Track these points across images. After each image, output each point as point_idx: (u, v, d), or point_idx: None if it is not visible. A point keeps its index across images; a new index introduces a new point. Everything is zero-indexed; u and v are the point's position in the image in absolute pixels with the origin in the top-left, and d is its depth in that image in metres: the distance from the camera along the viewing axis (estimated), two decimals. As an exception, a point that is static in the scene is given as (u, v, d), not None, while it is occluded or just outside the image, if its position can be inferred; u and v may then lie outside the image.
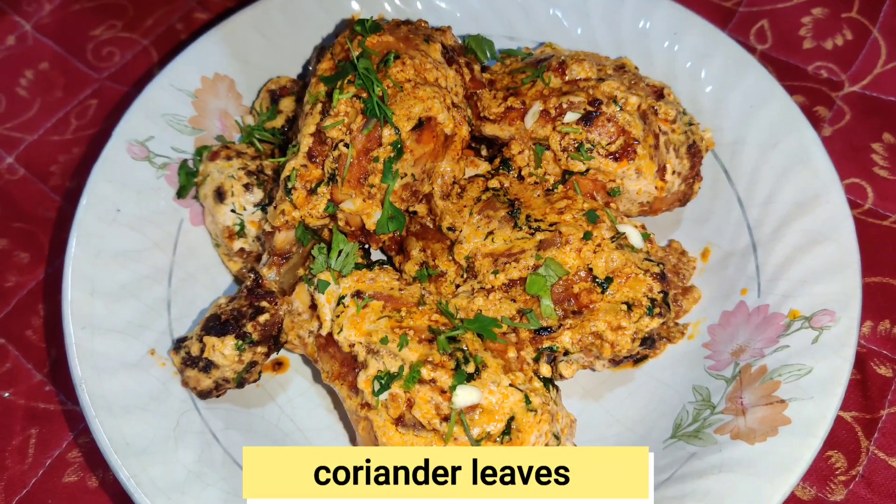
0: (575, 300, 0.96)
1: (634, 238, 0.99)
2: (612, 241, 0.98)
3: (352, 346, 0.95)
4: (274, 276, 1.02)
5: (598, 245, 0.97)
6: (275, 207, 1.01)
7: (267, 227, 1.03)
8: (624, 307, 0.95)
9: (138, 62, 1.48)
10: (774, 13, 1.46)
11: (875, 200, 1.24)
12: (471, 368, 0.90)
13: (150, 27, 1.52)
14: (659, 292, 0.96)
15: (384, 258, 1.13)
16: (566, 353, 0.97)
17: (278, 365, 1.10)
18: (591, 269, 0.96)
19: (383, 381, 0.90)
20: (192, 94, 1.20)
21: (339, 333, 0.96)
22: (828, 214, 1.03)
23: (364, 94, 0.98)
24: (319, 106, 1.01)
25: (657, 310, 0.96)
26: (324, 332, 0.98)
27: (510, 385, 0.89)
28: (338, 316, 0.97)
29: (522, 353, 0.95)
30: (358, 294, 0.98)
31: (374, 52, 1.01)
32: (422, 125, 0.99)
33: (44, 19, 1.53)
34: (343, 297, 0.98)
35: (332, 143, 0.99)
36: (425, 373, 0.89)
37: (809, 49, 1.41)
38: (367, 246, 1.07)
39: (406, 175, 0.99)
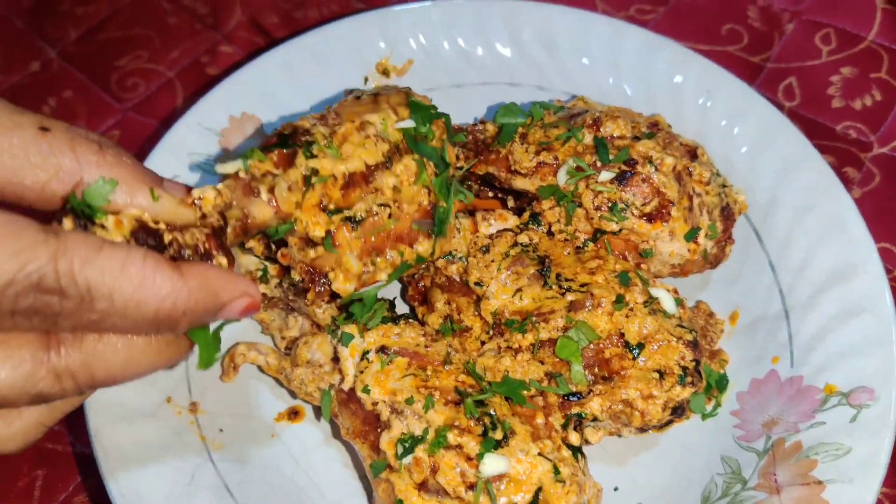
0: (605, 366, 0.94)
1: (667, 303, 0.97)
2: (645, 306, 0.96)
3: (375, 404, 0.92)
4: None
5: (631, 309, 0.95)
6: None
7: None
8: (656, 375, 0.93)
9: (162, 94, 1.47)
10: (803, 70, 1.45)
11: (906, 267, 1.22)
12: (499, 435, 0.87)
13: (176, 59, 1.51)
14: (691, 360, 0.94)
15: (392, 298, 1.11)
16: (594, 419, 0.94)
17: (294, 414, 1.07)
18: (622, 334, 0.94)
19: (407, 445, 0.88)
20: (218, 133, 1.19)
21: (362, 390, 0.93)
22: (865, 285, 1.01)
23: (443, 204, 0.95)
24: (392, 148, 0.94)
25: (689, 378, 0.93)
26: (345, 387, 0.96)
27: (539, 454, 0.87)
28: (361, 371, 0.95)
29: (550, 420, 0.92)
30: (383, 349, 0.96)
31: None
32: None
33: (70, 47, 1.53)
34: (367, 352, 0.96)
35: (379, 193, 0.92)
36: (452, 438, 0.87)
37: (838, 108, 1.41)
38: (393, 299, 1.05)
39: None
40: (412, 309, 1.11)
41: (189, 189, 0.78)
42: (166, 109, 1.45)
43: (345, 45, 1.28)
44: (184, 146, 1.16)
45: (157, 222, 0.74)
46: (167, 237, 0.75)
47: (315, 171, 0.87)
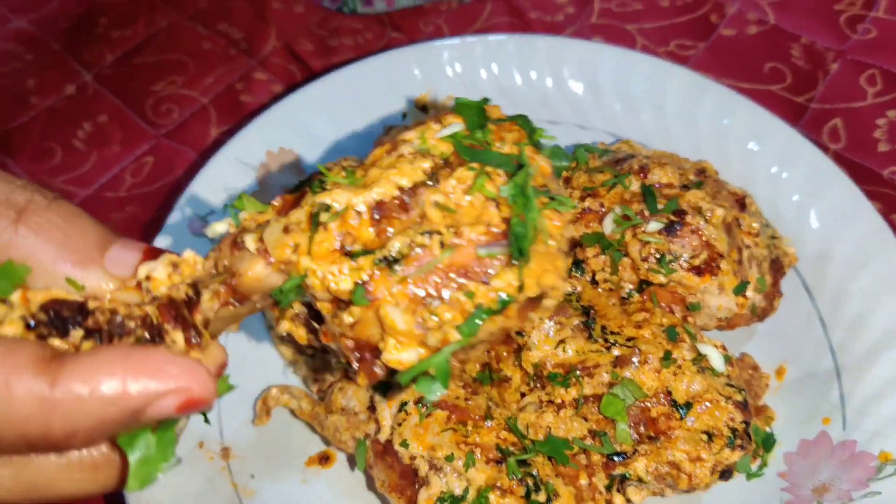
0: (652, 425, 0.91)
1: (716, 361, 0.94)
2: (694, 364, 0.92)
3: (413, 458, 0.90)
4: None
5: (679, 367, 0.92)
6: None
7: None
8: (704, 437, 0.90)
9: (196, 121, 1.46)
10: (848, 112, 1.42)
11: (957, 321, 1.18)
12: (542, 497, 0.84)
13: (210, 85, 1.50)
14: (741, 422, 0.91)
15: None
16: (639, 479, 0.91)
17: (325, 459, 1.05)
18: (669, 393, 0.91)
19: (447, 504, 0.85)
20: (255, 167, 1.18)
21: (399, 444, 0.90)
22: (924, 349, 0.98)
23: (504, 208, 0.65)
24: (429, 162, 0.67)
25: (738, 441, 0.90)
26: (382, 438, 0.93)
27: (583, 519, 0.84)
28: (399, 424, 0.92)
29: (594, 480, 0.89)
30: (421, 401, 0.93)
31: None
32: (534, 300, 0.66)
33: (105, 70, 1.52)
34: (405, 403, 0.93)
35: (425, 220, 0.65)
36: (493, 499, 0.84)
37: (885, 152, 1.37)
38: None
39: (477, 345, 0.67)
40: (448, 353, 1.08)
41: (151, 252, 0.60)
42: (199, 136, 1.44)
43: (383, 80, 1.26)
44: (220, 181, 1.15)
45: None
46: (92, 304, 0.57)
47: (325, 207, 0.64)
